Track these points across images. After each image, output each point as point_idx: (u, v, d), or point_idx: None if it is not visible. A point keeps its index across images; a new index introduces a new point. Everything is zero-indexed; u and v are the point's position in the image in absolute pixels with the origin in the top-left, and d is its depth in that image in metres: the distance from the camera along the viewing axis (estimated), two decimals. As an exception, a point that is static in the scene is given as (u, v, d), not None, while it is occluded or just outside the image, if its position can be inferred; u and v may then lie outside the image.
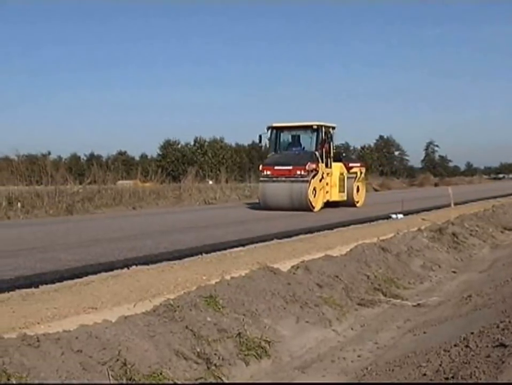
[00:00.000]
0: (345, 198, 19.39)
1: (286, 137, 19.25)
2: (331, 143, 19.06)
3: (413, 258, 8.81)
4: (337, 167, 19.08)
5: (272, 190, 17.64)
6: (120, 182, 25.05)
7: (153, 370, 3.79)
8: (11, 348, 3.35)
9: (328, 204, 18.65)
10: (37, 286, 6.32)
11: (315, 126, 18.32)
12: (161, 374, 3.78)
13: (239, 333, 4.69)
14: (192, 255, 8.69)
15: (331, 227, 13.23)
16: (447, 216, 13.68)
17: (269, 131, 18.95)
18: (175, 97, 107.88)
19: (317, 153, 17.99)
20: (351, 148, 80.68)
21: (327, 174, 18.40)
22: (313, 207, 17.39)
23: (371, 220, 15.06)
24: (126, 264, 7.71)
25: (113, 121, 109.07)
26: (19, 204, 17.07)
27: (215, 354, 4.29)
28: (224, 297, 5.26)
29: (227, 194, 25.82)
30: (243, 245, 9.98)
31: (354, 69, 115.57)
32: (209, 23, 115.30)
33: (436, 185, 51.40)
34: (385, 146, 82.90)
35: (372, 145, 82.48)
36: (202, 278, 6.94)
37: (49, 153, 44.20)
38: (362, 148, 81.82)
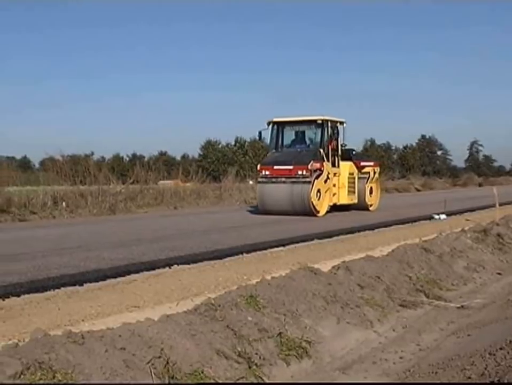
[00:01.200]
0: (356, 201, 17.69)
1: (289, 133, 17.52)
2: (339, 140, 17.37)
3: (457, 259, 8.65)
4: (346, 167, 17.37)
5: (271, 192, 15.99)
6: (161, 182, 25.33)
7: (194, 368, 3.82)
8: (57, 345, 3.41)
9: (336, 208, 17.11)
10: (81, 285, 6.46)
11: (320, 121, 16.52)
12: (202, 372, 3.81)
13: (280, 333, 4.69)
14: (232, 255, 8.75)
15: (372, 227, 13.13)
16: (491, 217, 13.40)
17: (270, 127, 17.26)
18: (216, 97, 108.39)
19: (322, 150, 16.25)
20: (393, 148, 79.78)
21: (335, 174, 16.76)
22: (317, 211, 15.77)
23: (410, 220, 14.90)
24: (168, 263, 7.82)
25: (154, 122, 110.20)
26: (64, 204, 17.44)
27: (256, 353, 4.29)
28: (265, 296, 5.26)
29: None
30: (283, 245, 10.00)
31: (394, 68, 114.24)
32: (253, 27, 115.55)
33: (480, 185, 50.40)
34: (427, 145, 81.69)
35: (414, 144, 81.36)
36: (242, 277, 6.97)
37: (92, 154, 45.05)
38: (404, 148, 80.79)
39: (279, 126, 17.22)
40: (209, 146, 59.81)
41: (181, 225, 13.59)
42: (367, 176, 18.19)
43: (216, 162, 60.45)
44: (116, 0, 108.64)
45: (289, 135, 17.44)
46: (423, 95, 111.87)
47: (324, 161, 16.09)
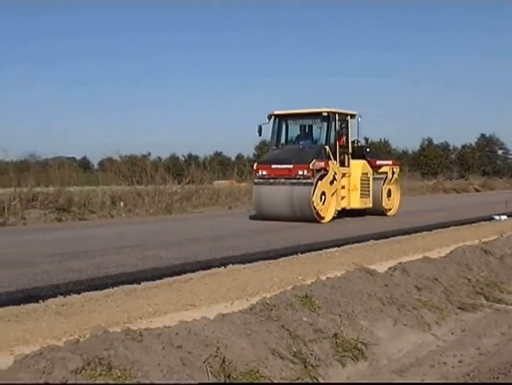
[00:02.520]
0: (370, 205, 15.55)
1: (294, 128, 15.61)
2: (349, 135, 15.32)
3: (518, 261, 8.40)
4: (358, 166, 15.31)
5: (268, 194, 14.04)
6: (216, 182, 25.54)
7: (250, 368, 3.83)
8: (116, 341, 3.49)
9: (348, 212, 15.20)
10: (139, 283, 6.58)
11: (325, 114, 14.45)
12: (257, 372, 3.82)
13: (335, 334, 4.66)
14: (287, 255, 8.74)
15: (429, 228, 12.89)
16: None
17: (271, 121, 15.30)
18: (269, 97, 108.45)
19: (327, 147, 14.26)
20: (451, 147, 78.01)
21: (344, 174, 14.78)
22: (321, 217, 13.80)
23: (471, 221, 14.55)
24: (223, 263, 7.88)
25: (210, 122, 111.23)
26: (122, 203, 17.81)
27: (311, 354, 4.28)
28: (320, 297, 5.23)
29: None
30: (338, 246, 9.94)
31: (452, 65, 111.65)
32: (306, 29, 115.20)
33: (543, 185, 48.73)
34: (487, 144, 79.53)
35: (473, 144, 79.32)
36: (297, 278, 6.96)
37: (149, 154, 45.82)
38: (463, 147, 78.89)
39: (281, 120, 15.34)
40: (263, 146, 59.84)
41: (236, 225, 13.66)
42: (384, 176, 16.07)
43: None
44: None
45: (294, 130, 15.60)
46: (484, 93, 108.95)
47: (329, 159, 14.13)
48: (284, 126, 15.43)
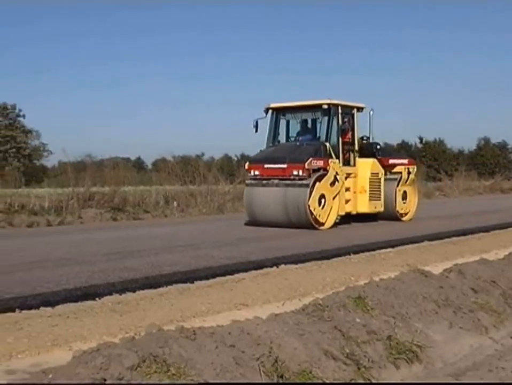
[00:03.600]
0: (381, 209, 13.87)
1: (292, 123, 14.04)
2: (356, 131, 13.64)
3: None
4: (367, 165, 13.66)
5: (260, 197, 12.54)
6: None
7: (302, 368, 3.82)
8: (170, 339, 3.54)
9: (356, 217, 13.60)
10: (192, 282, 6.66)
11: (326, 106, 12.83)
12: (310, 372, 3.81)
13: (389, 336, 4.60)
14: (339, 255, 8.70)
15: (486, 229, 12.60)
16: None
17: (268, 115, 13.79)
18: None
19: (327, 144, 12.65)
20: (509, 146, 75.81)
21: (349, 174, 13.14)
22: (320, 223, 12.20)
23: None
24: (275, 262, 7.90)
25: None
26: (175, 203, 18.05)
27: (365, 356, 4.23)
28: (373, 298, 5.18)
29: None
30: (392, 246, 9.82)
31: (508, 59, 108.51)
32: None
33: None
34: (548, 143, 76.77)
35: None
36: (350, 278, 6.91)
37: (203, 154, 46.25)
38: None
39: (278, 114, 13.79)
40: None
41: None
42: (398, 177, 14.37)
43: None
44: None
45: (293, 125, 14.03)
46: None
47: (330, 158, 12.50)
48: (281, 121, 13.90)
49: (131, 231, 12.50)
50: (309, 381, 3.76)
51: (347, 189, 13.02)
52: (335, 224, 12.59)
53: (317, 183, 12.06)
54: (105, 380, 3.05)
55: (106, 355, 3.22)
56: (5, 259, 8.04)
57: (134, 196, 17.75)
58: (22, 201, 14.52)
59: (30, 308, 5.26)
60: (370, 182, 13.53)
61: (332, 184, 12.36)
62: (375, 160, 13.82)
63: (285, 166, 12.26)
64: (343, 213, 12.78)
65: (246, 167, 13.21)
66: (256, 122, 13.72)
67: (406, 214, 14.62)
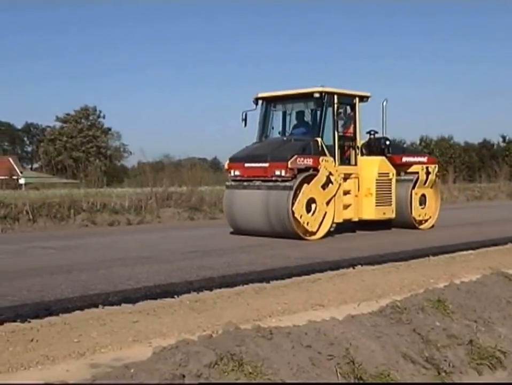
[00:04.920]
0: (391, 215, 11.81)
1: (283, 115, 12.19)
2: (358, 124, 11.66)
3: None
4: (373, 164, 11.66)
5: (241, 202, 10.90)
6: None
7: (380, 371, 3.77)
8: (247, 338, 3.57)
9: (361, 224, 11.69)
10: (268, 281, 6.68)
11: (317, 95, 10.94)
12: (388, 375, 3.76)
13: (471, 341, 4.46)
14: (418, 257, 8.51)
15: None
16: None
17: (258, 105, 11.98)
18: (402, 94, 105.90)
19: (319, 140, 10.74)
20: None
21: (349, 175, 11.29)
22: (310, 233, 10.44)
23: None
24: (351, 263, 7.83)
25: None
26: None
27: (445, 360, 4.13)
28: (454, 301, 5.05)
29: (455, 195, 24.70)
30: (473, 248, 9.52)
31: None
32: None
33: None
34: None
35: None
36: (429, 280, 6.75)
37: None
38: None
39: (268, 105, 11.96)
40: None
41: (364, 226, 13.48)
42: (414, 177, 12.27)
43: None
44: None
45: (284, 118, 12.22)
46: None
47: (323, 155, 10.64)
48: (272, 113, 12.08)
49: (207, 230, 12.68)
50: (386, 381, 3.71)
51: (347, 192, 11.21)
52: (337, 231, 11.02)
53: (305, 185, 10.27)
54: (184, 376, 3.12)
55: (184, 352, 3.29)
56: (88, 256, 8.35)
57: (210, 196, 17.97)
58: (104, 200, 14.99)
59: (112, 304, 5.43)
60: (377, 183, 11.54)
61: (325, 186, 10.52)
62: (384, 158, 11.85)
63: (266, 165, 10.51)
64: (340, 220, 10.96)
65: (226, 166, 11.46)
66: (245, 115, 11.93)
67: (425, 220, 12.53)
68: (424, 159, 12.72)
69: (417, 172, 12.28)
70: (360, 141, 11.70)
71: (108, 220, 13.80)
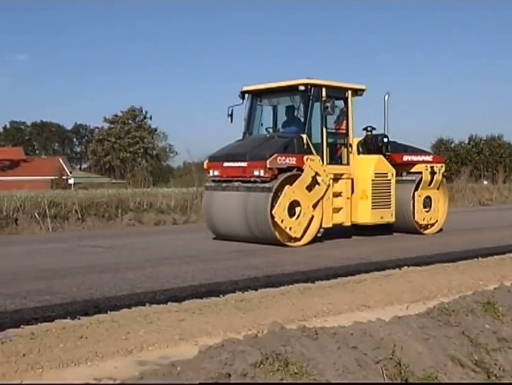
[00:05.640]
0: (391, 219, 10.82)
1: (280, 110, 11.13)
2: (351, 119, 10.58)
3: None
4: (369, 163, 10.70)
5: (220, 204, 10.05)
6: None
7: (427, 373, 3.72)
8: (292, 338, 3.57)
9: (359, 228, 10.94)
10: (313, 281, 6.66)
11: (303, 88, 9.99)
12: (436, 378, 3.70)
13: (522, 345, 4.36)
14: (466, 258, 8.35)
15: None
16: None
17: (245, 100, 11.02)
18: (451, 94, 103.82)
19: (304, 137, 9.78)
20: None
21: (341, 175, 10.31)
22: (293, 239, 9.54)
23: None
24: (397, 264, 7.73)
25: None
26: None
27: (495, 364, 4.04)
28: (504, 304, 4.93)
29: (505, 195, 24.15)
30: (525, 249, 9.28)
31: None
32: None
33: None
34: None
35: None
36: (478, 282, 6.62)
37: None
38: None
39: (254, 99, 11.05)
40: (441, 144, 57.80)
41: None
42: (416, 178, 11.30)
43: (448, 162, 57.60)
44: None
45: (270, 113, 11.29)
46: None
47: (308, 153, 9.71)
48: (259, 108, 11.16)
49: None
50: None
51: (337, 194, 10.26)
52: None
53: (287, 187, 9.37)
54: (230, 375, 3.13)
55: (230, 351, 3.31)
56: (135, 255, 8.49)
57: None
58: (150, 200, 15.20)
59: (159, 302, 5.50)
60: (373, 184, 10.54)
61: (310, 187, 9.62)
62: (381, 156, 10.87)
63: (245, 164, 9.64)
64: (329, 225, 10.04)
65: (205, 166, 10.60)
66: (232, 110, 10.99)
67: (431, 225, 11.57)
68: (429, 158, 11.74)
69: (421, 173, 11.33)
70: (353, 138, 10.68)
71: (154, 220, 13.99)
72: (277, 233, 9.25)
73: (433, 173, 11.41)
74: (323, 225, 9.86)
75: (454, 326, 4.34)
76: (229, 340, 3.52)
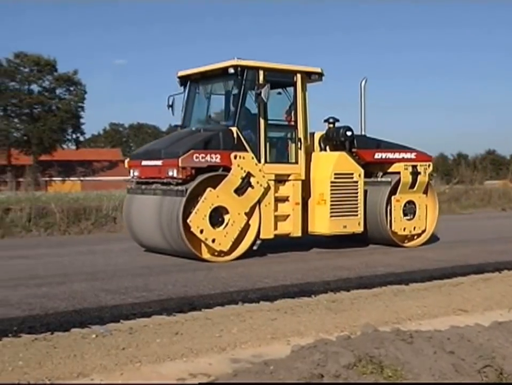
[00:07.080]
0: (358, 229, 8.88)
1: (214, 97, 9.49)
2: (303, 109, 8.84)
3: None
4: (327, 161, 8.93)
5: (137, 209, 8.66)
6: (487, 182, 24.18)
7: (530, 383, 3.54)
8: (386, 341, 3.50)
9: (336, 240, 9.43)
10: (406, 284, 6.52)
11: (232, 70, 8.35)
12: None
13: None
14: None
15: None
16: None
17: (184, 87, 9.42)
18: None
19: (234, 129, 8.22)
20: None
21: (287, 176, 8.63)
22: (217, 253, 7.97)
23: None
24: (497, 267, 7.46)
25: (482, 120, 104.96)
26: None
27: None
28: None
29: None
30: None
31: None
32: None
33: None
34: None
35: None
36: None
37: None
38: None
39: (192, 86, 9.42)
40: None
41: (510, 228, 12.75)
42: (392, 179, 9.39)
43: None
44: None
45: (207, 101, 9.49)
46: None
47: (240, 150, 8.18)
48: (197, 96, 9.49)
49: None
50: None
51: (283, 199, 8.60)
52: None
53: (208, 190, 7.85)
54: (322, 376, 3.12)
55: (323, 351, 3.30)
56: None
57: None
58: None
59: (251, 301, 5.57)
60: (332, 187, 8.68)
61: (241, 191, 8.06)
62: (344, 153, 9.00)
63: (160, 163, 8.24)
64: (271, 236, 8.35)
65: (126, 165, 9.19)
66: (173, 100, 9.39)
67: (415, 236, 9.66)
68: (410, 156, 9.70)
69: (399, 173, 9.43)
70: (306, 132, 8.90)
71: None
72: (190, 246, 7.71)
73: (415, 173, 9.52)
74: (262, 236, 8.25)
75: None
76: (322, 340, 3.51)
